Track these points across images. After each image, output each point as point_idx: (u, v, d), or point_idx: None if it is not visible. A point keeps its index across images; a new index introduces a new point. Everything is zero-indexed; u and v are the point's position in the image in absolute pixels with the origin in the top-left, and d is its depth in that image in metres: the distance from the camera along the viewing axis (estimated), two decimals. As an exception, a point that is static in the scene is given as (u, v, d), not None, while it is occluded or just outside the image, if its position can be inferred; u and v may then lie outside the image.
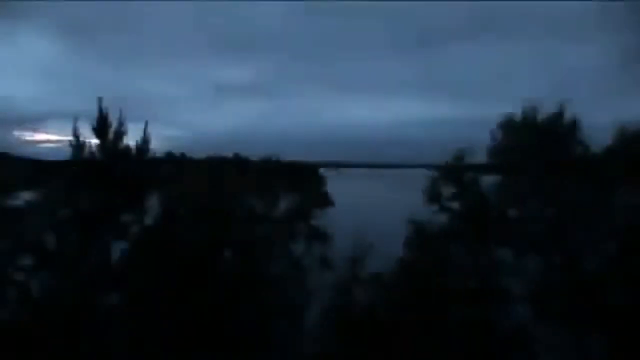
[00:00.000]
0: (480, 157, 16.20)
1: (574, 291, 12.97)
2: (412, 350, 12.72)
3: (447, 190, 15.31)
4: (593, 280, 13.10)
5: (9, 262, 10.89)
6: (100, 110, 11.23)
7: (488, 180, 15.95)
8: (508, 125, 15.51)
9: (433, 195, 15.46)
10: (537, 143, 14.56)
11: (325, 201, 20.86)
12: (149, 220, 11.95)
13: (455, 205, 15.14)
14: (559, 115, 14.88)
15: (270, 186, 20.03)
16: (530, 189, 14.89)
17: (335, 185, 43.09)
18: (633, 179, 13.69)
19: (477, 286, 14.29)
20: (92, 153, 11.18)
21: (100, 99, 11.23)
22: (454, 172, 15.33)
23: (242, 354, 12.71)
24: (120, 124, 11.42)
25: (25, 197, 11.95)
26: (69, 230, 10.81)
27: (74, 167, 11.27)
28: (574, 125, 14.62)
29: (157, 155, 14.03)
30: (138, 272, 11.13)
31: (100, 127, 11.18)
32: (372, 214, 36.54)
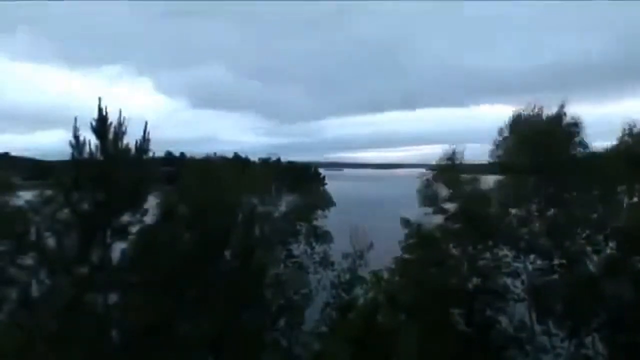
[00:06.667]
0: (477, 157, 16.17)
1: (573, 290, 12.95)
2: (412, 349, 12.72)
3: (442, 190, 15.23)
4: (592, 279, 13.09)
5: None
6: (100, 110, 10.96)
7: (487, 180, 15.91)
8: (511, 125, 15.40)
9: (428, 196, 15.39)
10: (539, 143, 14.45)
11: (325, 201, 20.84)
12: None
13: (450, 206, 15.05)
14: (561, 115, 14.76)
15: (270, 186, 19.97)
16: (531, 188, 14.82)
17: (335, 185, 43.20)
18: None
19: (475, 286, 14.28)
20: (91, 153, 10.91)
21: (100, 99, 10.98)
22: (448, 172, 15.25)
23: (243, 354, 12.69)
24: (120, 124, 11.14)
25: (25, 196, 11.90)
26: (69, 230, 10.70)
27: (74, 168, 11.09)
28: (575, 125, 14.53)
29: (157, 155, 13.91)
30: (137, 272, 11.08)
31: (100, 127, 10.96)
32: (371, 214, 36.60)
